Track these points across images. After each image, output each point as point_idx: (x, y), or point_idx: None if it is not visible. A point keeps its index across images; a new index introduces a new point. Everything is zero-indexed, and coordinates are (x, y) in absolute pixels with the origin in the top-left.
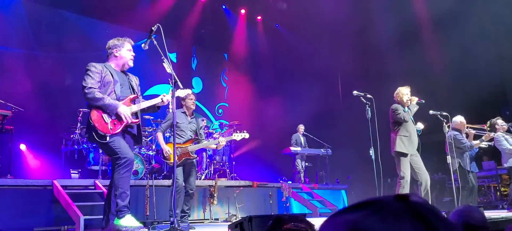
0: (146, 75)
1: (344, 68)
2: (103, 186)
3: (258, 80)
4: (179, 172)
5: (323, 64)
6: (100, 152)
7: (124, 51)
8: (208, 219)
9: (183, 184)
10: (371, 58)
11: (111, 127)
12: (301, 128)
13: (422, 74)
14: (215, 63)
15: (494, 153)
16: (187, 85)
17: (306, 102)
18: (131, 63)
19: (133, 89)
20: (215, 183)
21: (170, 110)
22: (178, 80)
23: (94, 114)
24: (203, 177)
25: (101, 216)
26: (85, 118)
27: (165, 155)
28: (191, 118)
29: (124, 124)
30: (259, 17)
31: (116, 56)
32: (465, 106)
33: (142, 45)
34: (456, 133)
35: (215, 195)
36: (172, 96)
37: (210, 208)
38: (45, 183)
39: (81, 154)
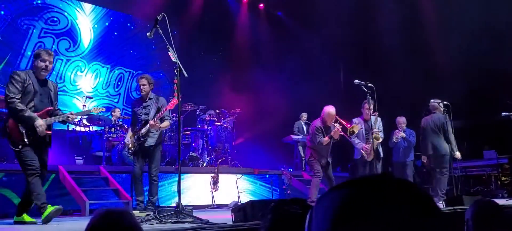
0: (152, 63)
1: (347, 55)
2: (108, 171)
3: (260, 68)
4: (135, 159)
5: (325, 51)
6: (104, 138)
7: (39, 62)
8: (210, 205)
9: (142, 171)
10: (373, 46)
11: (26, 138)
12: (304, 116)
13: (424, 62)
14: (216, 51)
15: (496, 142)
16: (189, 72)
17: (308, 90)
18: (43, 74)
19: (51, 101)
20: (217, 170)
21: (176, 98)
22: (183, 69)
23: (11, 122)
24: (204, 164)
25: (105, 201)
26: None
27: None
28: (146, 102)
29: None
30: (261, 5)
31: (34, 66)
32: (466, 94)
33: (148, 34)
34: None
35: (217, 181)
36: (177, 84)
37: (212, 195)
38: (51, 168)
39: (85, 140)
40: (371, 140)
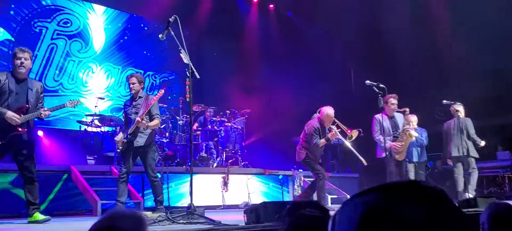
0: (164, 64)
1: (357, 56)
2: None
3: (270, 68)
4: (124, 160)
5: (335, 51)
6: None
7: (14, 61)
8: (220, 206)
9: (128, 173)
10: (384, 46)
11: None
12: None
13: (436, 62)
14: (226, 51)
15: (509, 143)
16: (200, 73)
17: (319, 90)
18: (21, 71)
19: (28, 100)
20: (228, 171)
21: (187, 99)
22: (195, 70)
23: None
24: (215, 165)
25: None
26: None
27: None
28: (136, 100)
29: (8, 136)
30: (271, 5)
31: (12, 65)
32: (479, 95)
33: (160, 35)
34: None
35: (227, 182)
36: (189, 86)
37: (223, 195)
38: (63, 169)
39: (97, 140)
40: (402, 138)
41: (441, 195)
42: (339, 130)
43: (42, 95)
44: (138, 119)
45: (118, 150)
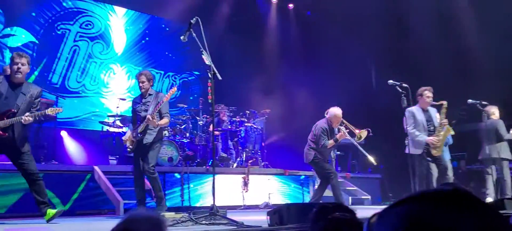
0: (184, 64)
1: (378, 55)
2: None
3: (290, 67)
4: (135, 159)
5: (356, 50)
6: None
7: (12, 66)
8: (241, 206)
9: (142, 173)
10: (405, 44)
11: None
12: None
13: (460, 60)
14: (246, 51)
15: None
16: (220, 74)
17: (339, 90)
18: (17, 76)
19: (16, 104)
20: (248, 171)
21: (209, 100)
22: (217, 72)
23: None
24: (235, 165)
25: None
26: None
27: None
28: (146, 98)
29: None
30: (290, 5)
31: (10, 69)
32: (504, 93)
33: (181, 37)
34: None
35: (248, 182)
36: (211, 87)
37: (243, 195)
38: (86, 169)
39: (118, 140)
40: (439, 132)
41: (483, 203)
42: (348, 130)
43: (37, 100)
44: (149, 116)
45: (129, 149)
